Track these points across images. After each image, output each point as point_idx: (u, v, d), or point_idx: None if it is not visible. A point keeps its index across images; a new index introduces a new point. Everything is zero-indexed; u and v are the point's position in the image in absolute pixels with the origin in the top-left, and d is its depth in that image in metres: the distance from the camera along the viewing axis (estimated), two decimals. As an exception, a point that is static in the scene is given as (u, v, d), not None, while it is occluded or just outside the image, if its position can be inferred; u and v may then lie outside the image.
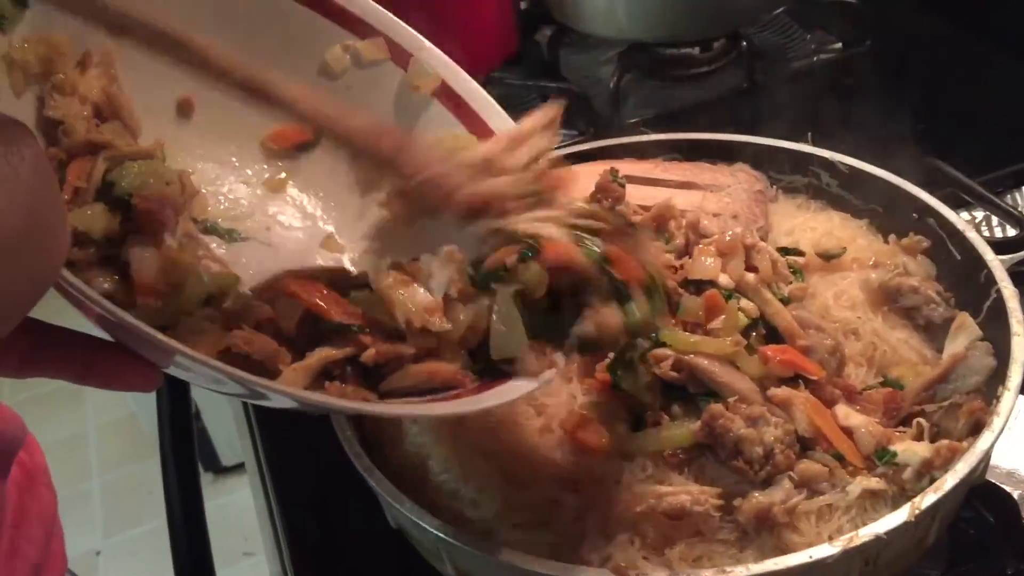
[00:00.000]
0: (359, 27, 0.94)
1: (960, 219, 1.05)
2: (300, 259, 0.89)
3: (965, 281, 1.01)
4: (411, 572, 0.96)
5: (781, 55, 1.84)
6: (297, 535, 1.12)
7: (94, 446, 3.56)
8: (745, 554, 0.82)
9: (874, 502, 0.83)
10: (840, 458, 0.86)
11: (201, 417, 2.86)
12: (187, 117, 0.91)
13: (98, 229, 0.73)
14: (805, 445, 0.87)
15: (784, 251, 1.06)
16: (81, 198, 0.75)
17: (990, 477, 0.95)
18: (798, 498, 0.82)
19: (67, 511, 1.28)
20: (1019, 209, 1.27)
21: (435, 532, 0.82)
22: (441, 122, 0.95)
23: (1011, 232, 1.27)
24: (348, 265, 0.92)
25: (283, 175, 0.95)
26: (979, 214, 1.32)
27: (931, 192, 1.09)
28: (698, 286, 0.98)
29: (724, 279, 0.97)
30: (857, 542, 0.75)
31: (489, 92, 0.96)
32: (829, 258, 1.07)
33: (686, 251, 1.04)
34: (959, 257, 1.03)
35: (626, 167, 1.16)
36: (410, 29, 0.95)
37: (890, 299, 1.02)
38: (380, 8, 0.95)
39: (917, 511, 0.77)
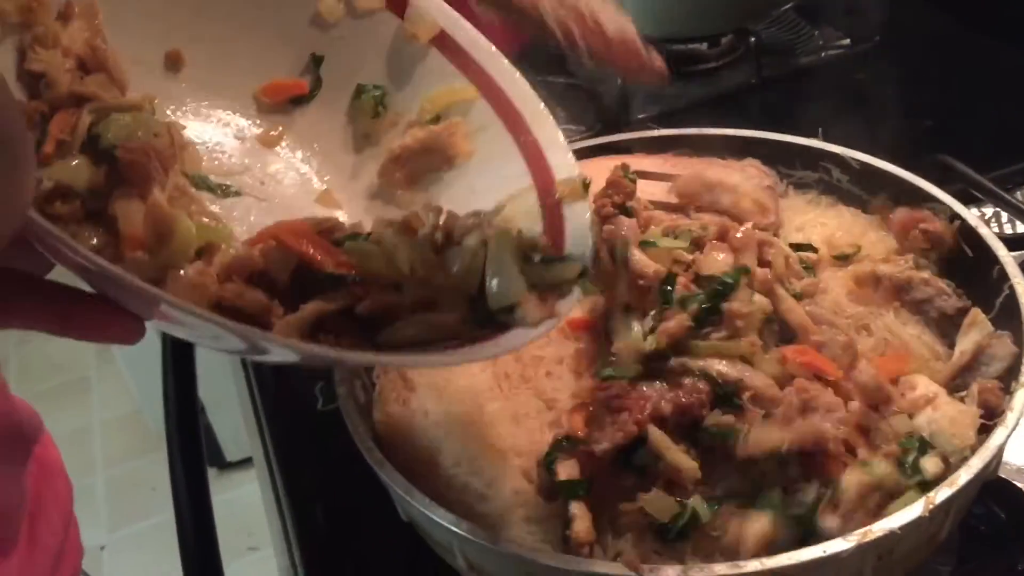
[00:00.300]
0: None
1: (971, 214, 1.04)
2: (295, 214, 0.85)
3: (976, 277, 1.01)
4: (422, 565, 0.96)
5: (789, 51, 1.84)
6: (306, 529, 1.12)
7: (99, 441, 3.56)
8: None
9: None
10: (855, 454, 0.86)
11: (206, 412, 2.86)
12: (176, 71, 0.88)
13: (82, 181, 0.71)
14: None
15: (796, 247, 1.06)
16: (65, 151, 0.73)
17: (1002, 473, 0.95)
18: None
19: (72, 506, 1.28)
20: (1029, 205, 1.27)
21: (447, 525, 0.82)
22: (440, 72, 0.93)
23: (1021, 228, 1.26)
24: (345, 222, 0.90)
25: (278, 129, 0.93)
26: (989, 210, 1.32)
27: (941, 188, 1.09)
28: (709, 282, 0.98)
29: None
30: (871, 537, 0.75)
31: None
32: (844, 258, 1.06)
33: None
34: (971, 253, 1.03)
35: (636, 162, 1.16)
36: None
37: (901, 293, 1.02)
38: None
39: (931, 506, 0.76)
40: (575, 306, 0.81)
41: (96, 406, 3.70)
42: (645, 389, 0.86)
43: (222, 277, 0.71)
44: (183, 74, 0.89)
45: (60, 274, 0.66)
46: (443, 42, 0.93)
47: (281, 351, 0.68)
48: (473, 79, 0.92)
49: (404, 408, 0.99)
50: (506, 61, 0.92)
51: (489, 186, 0.91)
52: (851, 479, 0.81)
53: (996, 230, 1.27)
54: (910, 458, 0.84)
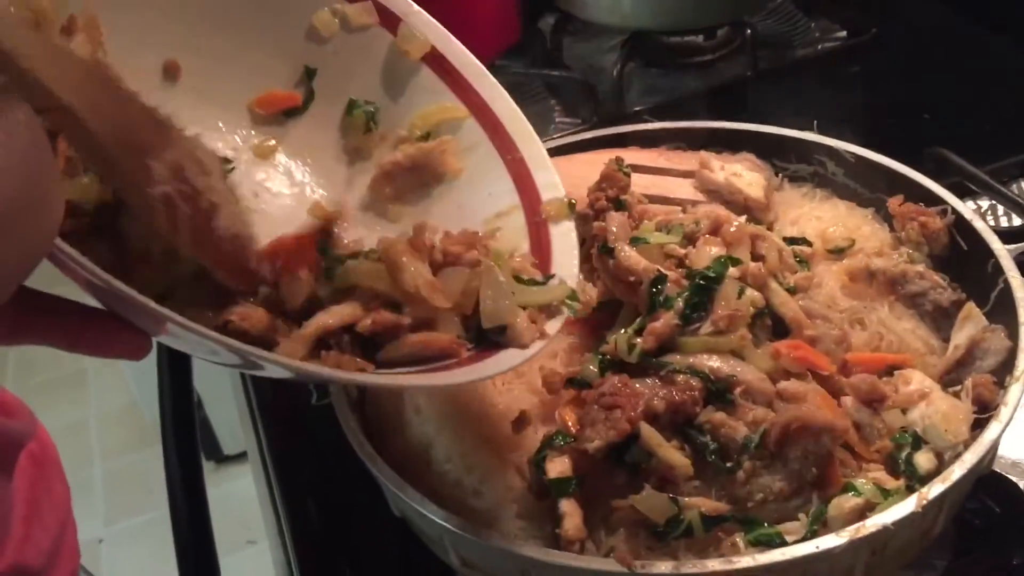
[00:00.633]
0: None
1: (967, 208, 1.04)
2: (289, 226, 0.88)
3: (972, 270, 1.01)
4: (414, 560, 0.96)
5: (785, 44, 1.84)
6: (300, 523, 1.12)
7: (96, 434, 3.56)
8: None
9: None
10: (850, 449, 0.86)
11: (203, 406, 2.86)
12: (173, 81, 0.89)
13: (91, 199, 0.72)
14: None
15: (790, 240, 1.06)
16: (73, 167, 0.74)
17: (996, 467, 0.94)
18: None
19: (68, 499, 1.28)
20: (1025, 198, 1.27)
21: (439, 521, 0.82)
22: (431, 89, 0.95)
23: (1017, 221, 1.26)
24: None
25: (272, 141, 0.94)
26: (984, 203, 1.31)
27: (937, 181, 1.08)
28: (703, 276, 0.97)
29: (731, 270, 0.97)
30: (864, 532, 0.75)
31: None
32: (838, 252, 1.06)
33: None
34: (965, 247, 1.03)
35: (630, 156, 1.15)
36: None
37: (896, 286, 1.01)
38: None
39: (924, 501, 0.76)
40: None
41: (93, 399, 3.69)
42: (638, 386, 0.86)
43: (226, 296, 0.74)
44: (180, 84, 0.90)
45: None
46: (434, 60, 0.95)
47: (275, 369, 0.69)
48: (462, 97, 0.95)
49: (397, 404, 0.98)
50: (494, 80, 0.95)
51: (477, 203, 0.94)
52: (839, 503, 0.81)
53: (991, 223, 1.27)
54: (903, 454, 0.84)
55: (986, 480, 0.90)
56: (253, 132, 0.94)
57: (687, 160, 1.19)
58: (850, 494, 0.82)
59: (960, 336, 0.96)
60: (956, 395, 0.89)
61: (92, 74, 0.66)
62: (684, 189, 1.16)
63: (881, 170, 1.12)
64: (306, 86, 0.96)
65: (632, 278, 0.94)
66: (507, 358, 0.78)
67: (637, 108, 1.68)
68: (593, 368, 0.91)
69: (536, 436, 0.90)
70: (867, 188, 1.14)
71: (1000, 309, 0.95)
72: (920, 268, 1.02)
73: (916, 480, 0.83)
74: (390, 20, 0.94)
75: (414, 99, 0.95)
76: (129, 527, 3.18)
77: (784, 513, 0.83)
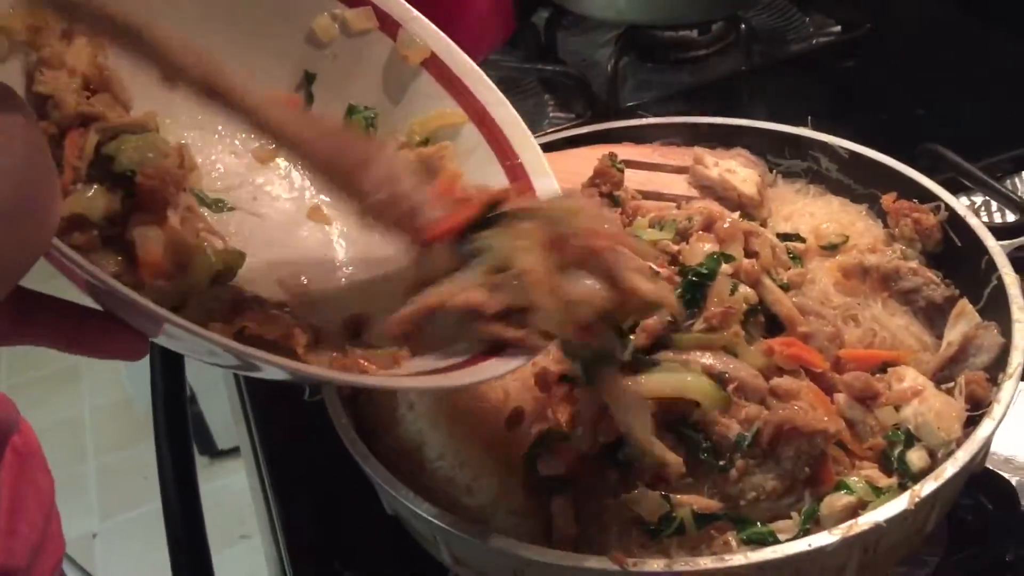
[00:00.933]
0: None
1: (960, 204, 1.04)
2: (287, 230, 0.89)
3: (965, 267, 1.00)
4: (407, 558, 0.96)
5: (780, 38, 1.84)
6: (292, 519, 1.12)
7: (90, 429, 3.56)
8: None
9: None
10: (843, 447, 0.86)
11: (197, 401, 2.86)
12: (173, 85, 0.90)
13: (98, 211, 0.72)
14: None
15: (783, 236, 1.06)
16: (78, 176, 0.74)
17: (989, 464, 0.94)
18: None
19: (62, 494, 1.27)
20: (1019, 194, 1.27)
21: (431, 519, 0.82)
22: (430, 95, 0.95)
23: (1011, 217, 1.26)
24: (336, 238, 0.92)
25: (272, 146, 0.93)
26: (978, 199, 1.31)
27: (931, 177, 1.08)
28: (695, 273, 0.97)
29: (724, 266, 0.96)
30: (856, 530, 0.75)
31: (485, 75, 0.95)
32: (832, 248, 1.06)
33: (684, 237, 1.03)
34: (959, 243, 1.03)
35: (624, 151, 1.15)
36: None
37: (889, 282, 1.01)
38: None
39: (917, 499, 0.76)
40: None
41: (87, 394, 3.69)
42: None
43: (240, 305, 0.75)
44: (180, 88, 0.89)
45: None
46: (434, 65, 0.95)
47: (273, 371, 0.69)
48: (461, 102, 0.94)
49: (390, 400, 0.98)
50: (493, 85, 0.94)
51: None
52: (831, 501, 0.81)
53: (985, 219, 1.27)
54: (896, 451, 0.84)
55: (979, 477, 0.90)
56: (253, 136, 0.93)
57: (681, 156, 1.19)
58: (842, 492, 0.82)
59: (953, 333, 0.96)
60: (949, 392, 0.89)
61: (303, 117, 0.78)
62: (678, 185, 1.16)
63: (875, 166, 1.12)
64: (305, 90, 0.96)
65: None
66: (503, 362, 0.77)
67: (631, 103, 1.68)
68: None
69: (529, 433, 0.90)
70: (861, 184, 1.14)
71: (993, 306, 0.95)
72: (913, 264, 1.01)
73: (909, 478, 0.83)
74: (390, 25, 0.94)
75: (413, 104, 0.95)
76: (122, 522, 3.17)
77: (776, 511, 0.83)
